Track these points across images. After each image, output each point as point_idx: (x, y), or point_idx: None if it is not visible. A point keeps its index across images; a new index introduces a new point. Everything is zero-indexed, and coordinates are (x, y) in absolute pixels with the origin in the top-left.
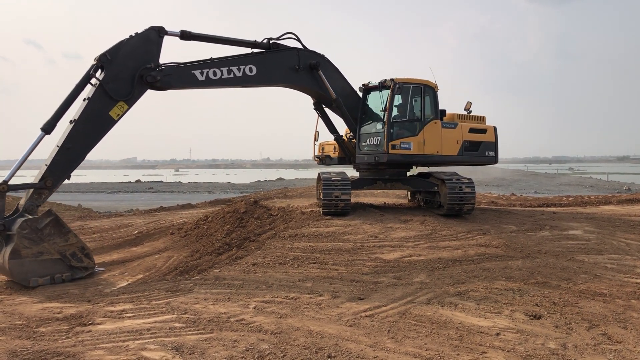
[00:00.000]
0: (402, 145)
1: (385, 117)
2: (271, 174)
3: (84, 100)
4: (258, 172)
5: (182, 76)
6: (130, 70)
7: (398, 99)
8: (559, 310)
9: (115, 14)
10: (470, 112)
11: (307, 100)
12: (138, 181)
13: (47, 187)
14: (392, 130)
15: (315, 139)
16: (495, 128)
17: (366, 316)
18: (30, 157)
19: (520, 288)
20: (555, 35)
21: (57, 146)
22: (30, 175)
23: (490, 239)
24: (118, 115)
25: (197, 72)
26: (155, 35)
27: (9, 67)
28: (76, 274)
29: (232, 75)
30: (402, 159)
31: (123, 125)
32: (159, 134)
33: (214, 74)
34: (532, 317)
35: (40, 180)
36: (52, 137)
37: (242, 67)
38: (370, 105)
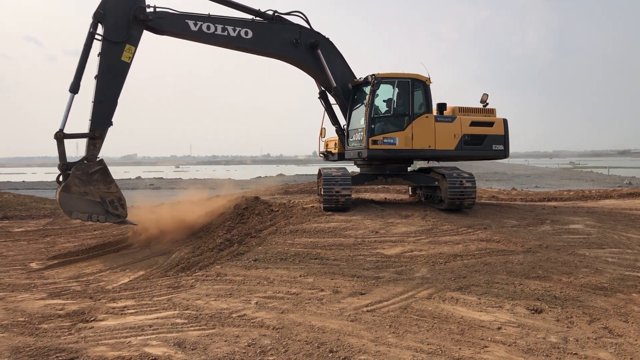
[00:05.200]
0: (385, 141)
1: (366, 112)
2: (272, 170)
3: (98, 55)
4: (258, 168)
5: (175, 22)
6: (124, 15)
7: (384, 94)
8: (560, 304)
9: None
10: (487, 104)
11: (311, 95)
12: (139, 178)
13: (97, 137)
14: (372, 126)
15: (322, 135)
16: (505, 121)
17: (367, 311)
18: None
19: (521, 282)
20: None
21: (92, 102)
22: (31, 173)
23: (491, 234)
24: (129, 57)
25: (190, 22)
26: None
27: (10, 64)
28: (109, 219)
29: (225, 33)
30: (385, 154)
31: (123, 121)
32: (159, 130)
33: (208, 27)
34: (533, 311)
35: (90, 131)
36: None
37: (237, 29)
38: (357, 101)
